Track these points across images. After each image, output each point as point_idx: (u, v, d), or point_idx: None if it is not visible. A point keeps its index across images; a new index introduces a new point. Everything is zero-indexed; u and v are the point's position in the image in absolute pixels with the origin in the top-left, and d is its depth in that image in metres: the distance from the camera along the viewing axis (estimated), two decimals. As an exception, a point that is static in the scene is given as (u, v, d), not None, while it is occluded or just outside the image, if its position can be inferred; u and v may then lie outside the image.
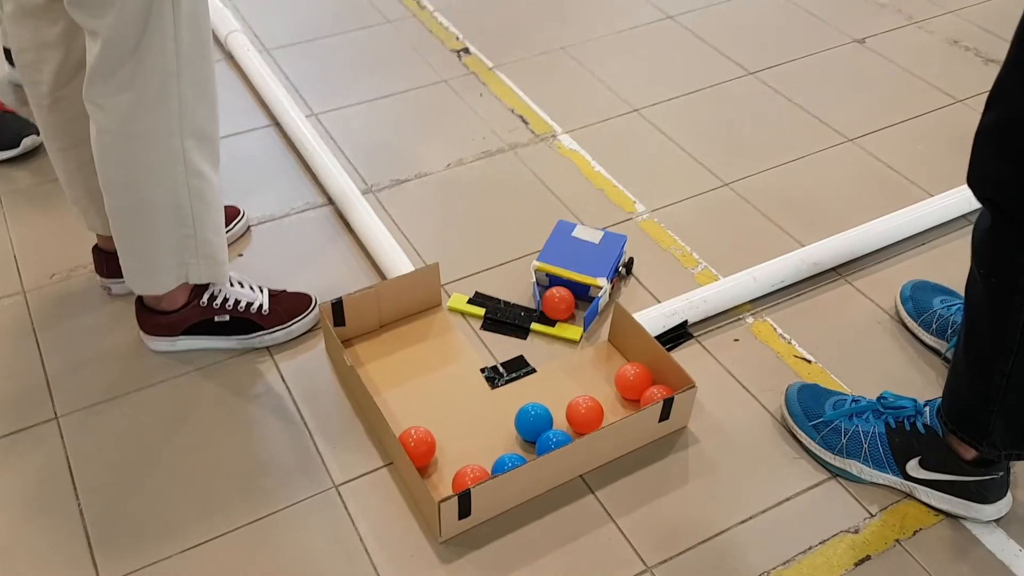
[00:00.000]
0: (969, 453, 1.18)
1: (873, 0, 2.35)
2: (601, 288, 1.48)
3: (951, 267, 1.58)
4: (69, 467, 1.30)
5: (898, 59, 2.13)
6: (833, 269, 1.60)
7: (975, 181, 1.03)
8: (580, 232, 1.57)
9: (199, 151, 1.25)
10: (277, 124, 1.93)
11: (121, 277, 1.47)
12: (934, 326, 1.43)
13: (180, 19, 1.14)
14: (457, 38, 2.21)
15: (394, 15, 2.29)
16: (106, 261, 1.49)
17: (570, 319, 1.51)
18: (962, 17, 2.28)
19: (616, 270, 1.53)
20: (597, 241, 1.55)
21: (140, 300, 1.42)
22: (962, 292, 1.42)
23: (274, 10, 2.31)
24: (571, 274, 1.51)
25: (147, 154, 1.21)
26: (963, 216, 1.70)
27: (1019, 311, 1.03)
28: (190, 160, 1.24)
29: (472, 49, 2.17)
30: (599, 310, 1.50)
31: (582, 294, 1.52)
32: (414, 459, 1.24)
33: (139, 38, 1.13)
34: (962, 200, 1.68)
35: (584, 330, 1.47)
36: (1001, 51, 2.16)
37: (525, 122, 1.95)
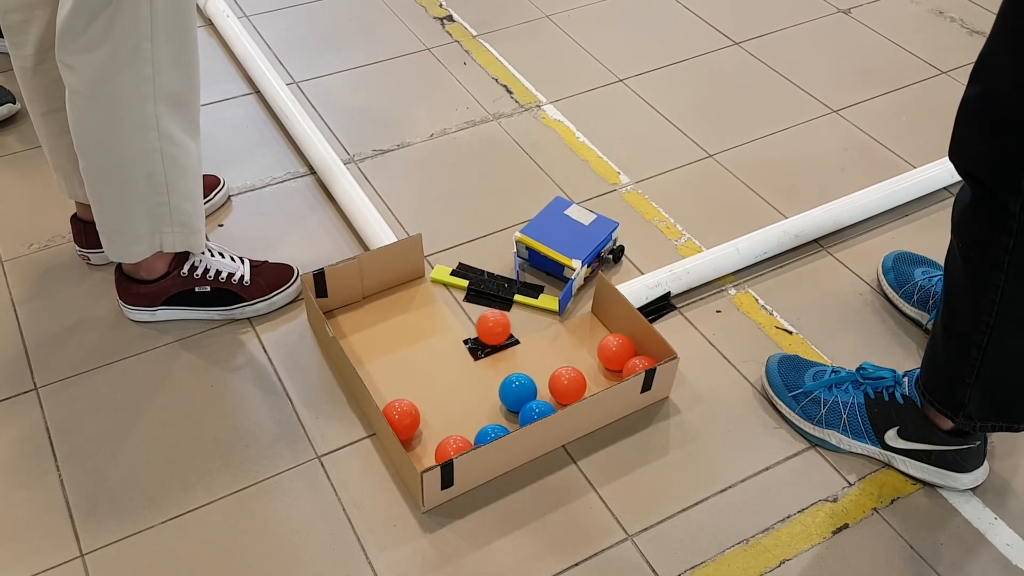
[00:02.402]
0: (946, 423, 1.19)
1: (860, -30, 2.34)
2: (575, 271, 1.47)
3: (933, 239, 1.59)
4: (49, 437, 1.29)
5: (883, 30, 2.13)
6: (815, 241, 1.61)
7: (957, 155, 1.03)
8: (573, 212, 1.56)
9: (172, 117, 1.23)
10: (257, 92, 1.91)
11: (100, 247, 1.46)
12: (915, 297, 1.44)
13: None
14: (440, 5, 2.18)
15: (376, -19, 2.26)
16: (85, 231, 1.47)
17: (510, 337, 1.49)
18: (948, -12, 2.27)
19: (598, 255, 1.52)
20: (587, 223, 1.54)
21: (120, 269, 1.41)
22: (943, 264, 1.43)
23: (254, -25, 2.27)
24: (548, 251, 1.50)
25: (118, 117, 1.19)
26: (945, 188, 1.70)
27: (996, 286, 1.03)
28: (163, 126, 1.22)
29: (456, 16, 2.15)
30: (572, 293, 1.49)
31: (557, 273, 1.52)
32: (399, 432, 1.24)
33: None
34: (944, 172, 1.69)
35: (560, 312, 1.47)
36: (986, 22, 2.16)
37: (509, 92, 1.94)
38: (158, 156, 1.24)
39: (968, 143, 1.01)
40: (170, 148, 1.24)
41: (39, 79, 1.29)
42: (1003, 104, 0.95)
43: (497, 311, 1.46)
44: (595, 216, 1.57)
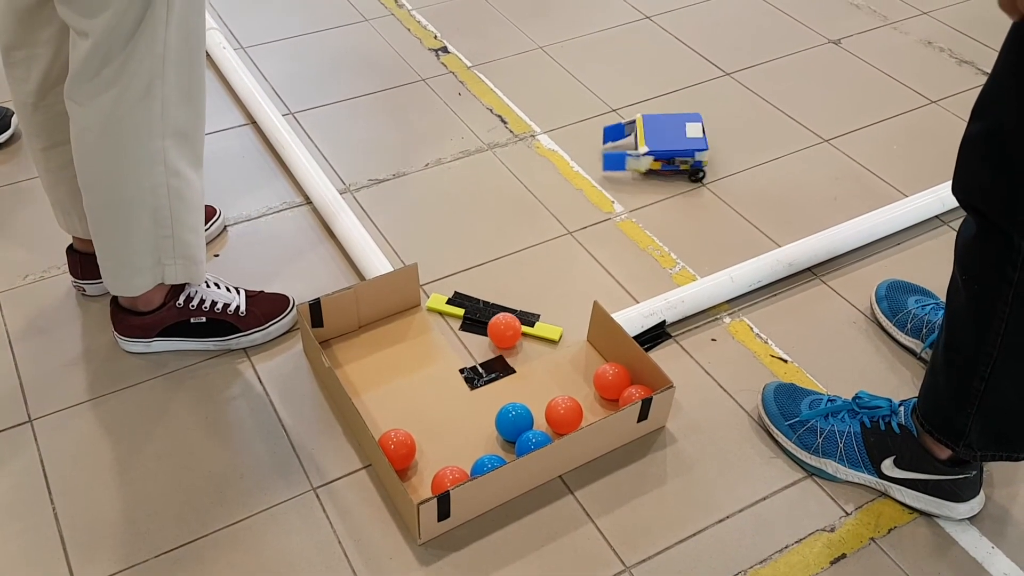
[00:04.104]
0: (943, 452, 1.19)
1: (848, 1, 2.37)
2: (638, 153, 1.71)
3: (926, 267, 1.60)
4: (44, 471, 1.28)
5: (873, 60, 2.15)
6: (809, 269, 1.62)
7: (960, 190, 1.04)
8: (690, 127, 1.78)
9: (179, 151, 1.24)
10: (254, 123, 1.92)
11: (96, 278, 1.46)
12: (909, 326, 1.45)
13: (171, 22, 1.13)
14: (435, 37, 2.21)
15: (372, 13, 2.28)
16: (81, 262, 1.47)
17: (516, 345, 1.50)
18: (936, 18, 2.30)
19: (672, 158, 1.72)
20: (688, 135, 1.75)
21: (115, 301, 1.40)
22: (937, 292, 1.44)
23: (250, 8, 2.29)
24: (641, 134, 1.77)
25: (127, 154, 1.20)
26: (937, 217, 1.72)
27: (1001, 318, 1.04)
28: (170, 160, 1.23)
29: (450, 48, 2.17)
30: (623, 165, 1.76)
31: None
32: (394, 463, 1.24)
33: (129, 39, 1.12)
34: (936, 201, 1.70)
35: (603, 168, 1.69)
36: (974, 52, 2.20)
37: (504, 122, 1.95)
38: (164, 191, 1.24)
39: (972, 178, 1.02)
40: (175, 182, 1.25)
41: (40, 115, 1.30)
42: (1007, 140, 0.96)
43: (508, 315, 1.46)
44: (701, 136, 1.77)
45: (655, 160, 1.70)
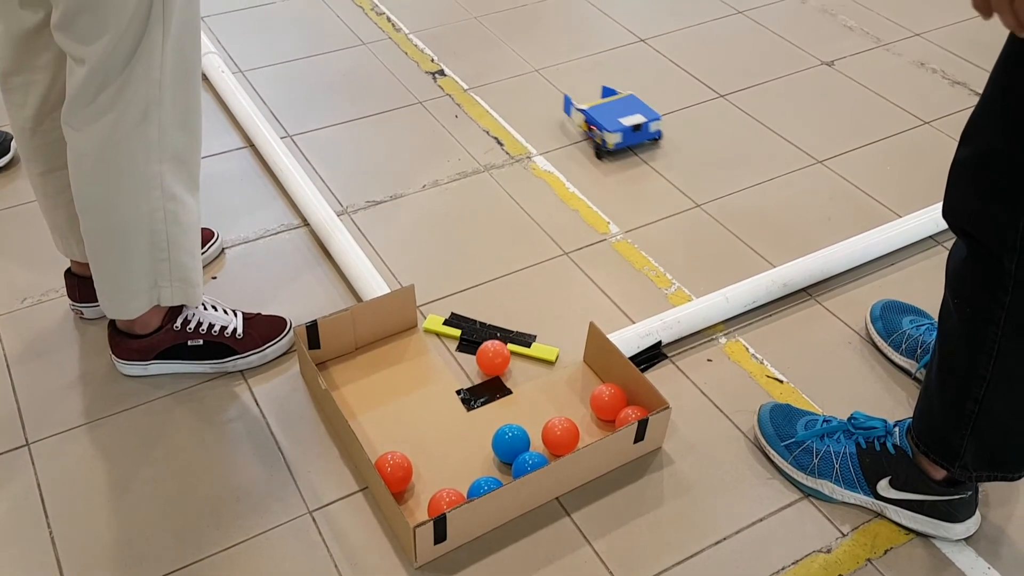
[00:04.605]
0: (938, 473, 1.20)
1: (841, 23, 2.40)
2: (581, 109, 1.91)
3: (920, 287, 1.61)
4: (40, 494, 1.28)
5: (866, 81, 2.17)
6: (804, 290, 1.63)
7: (951, 213, 1.05)
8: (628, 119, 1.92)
9: (175, 175, 1.25)
10: (252, 146, 1.93)
11: (93, 301, 1.46)
12: (904, 346, 1.46)
13: (167, 48, 1.15)
14: (432, 60, 2.23)
15: (369, 37, 2.30)
16: (79, 285, 1.47)
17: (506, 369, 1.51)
18: (929, 40, 2.33)
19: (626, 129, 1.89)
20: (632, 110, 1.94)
21: (113, 324, 1.41)
22: (931, 312, 1.45)
23: (249, 32, 2.31)
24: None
25: (124, 179, 1.21)
26: (931, 237, 1.73)
27: (993, 341, 1.05)
28: (166, 184, 1.24)
29: (447, 71, 2.19)
30: (571, 104, 1.97)
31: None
32: (391, 486, 1.24)
33: (125, 65, 1.13)
34: (930, 221, 1.71)
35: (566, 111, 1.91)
36: (967, 74, 2.22)
37: (500, 144, 1.97)
38: (161, 215, 1.25)
39: (961, 202, 1.03)
40: (172, 206, 1.26)
41: (38, 140, 1.31)
42: (995, 164, 0.97)
43: (497, 342, 1.47)
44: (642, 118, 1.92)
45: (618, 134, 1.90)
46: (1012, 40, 0.93)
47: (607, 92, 2.01)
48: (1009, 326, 1.03)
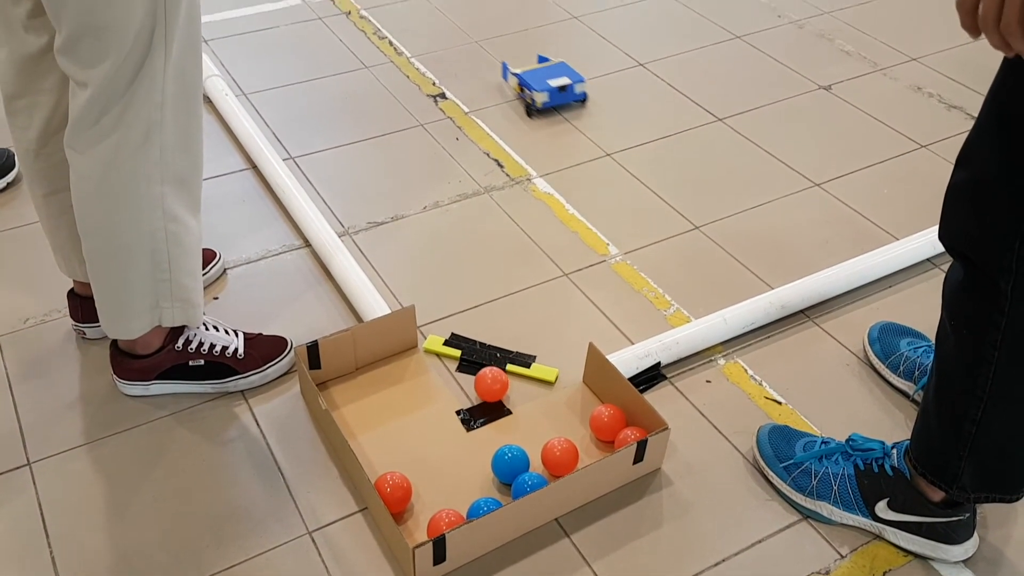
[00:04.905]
0: (936, 495, 1.20)
1: (838, 48, 2.42)
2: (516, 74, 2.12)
3: (917, 309, 1.62)
4: (41, 514, 1.28)
5: (863, 105, 2.20)
6: (802, 311, 1.64)
7: (947, 236, 1.06)
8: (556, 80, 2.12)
9: (177, 196, 1.26)
10: (255, 167, 1.95)
11: (95, 322, 1.47)
12: (901, 368, 1.46)
13: (168, 71, 1.16)
14: (434, 83, 2.25)
15: (371, 61, 2.33)
16: (81, 306, 1.48)
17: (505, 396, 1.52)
18: (925, 64, 2.35)
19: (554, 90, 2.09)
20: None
21: (115, 344, 1.42)
22: (928, 334, 1.46)
23: (252, 56, 2.34)
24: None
25: (126, 201, 1.22)
26: (928, 260, 1.74)
27: (990, 363, 1.05)
28: (168, 206, 1.25)
29: (448, 94, 2.21)
30: (508, 70, 2.17)
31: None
32: (390, 506, 1.24)
33: (127, 89, 1.15)
34: (927, 244, 1.72)
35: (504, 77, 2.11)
36: (963, 98, 2.24)
37: (500, 166, 1.98)
38: (162, 235, 1.26)
39: (957, 225, 1.04)
40: (174, 227, 1.27)
41: (42, 162, 1.32)
42: (989, 188, 0.98)
43: (496, 368, 1.48)
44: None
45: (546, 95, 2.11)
46: (1005, 66, 0.95)
47: (542, 60, 2.22)
48: (1005, 347, 1.03)
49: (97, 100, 1.15)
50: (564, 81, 2.10)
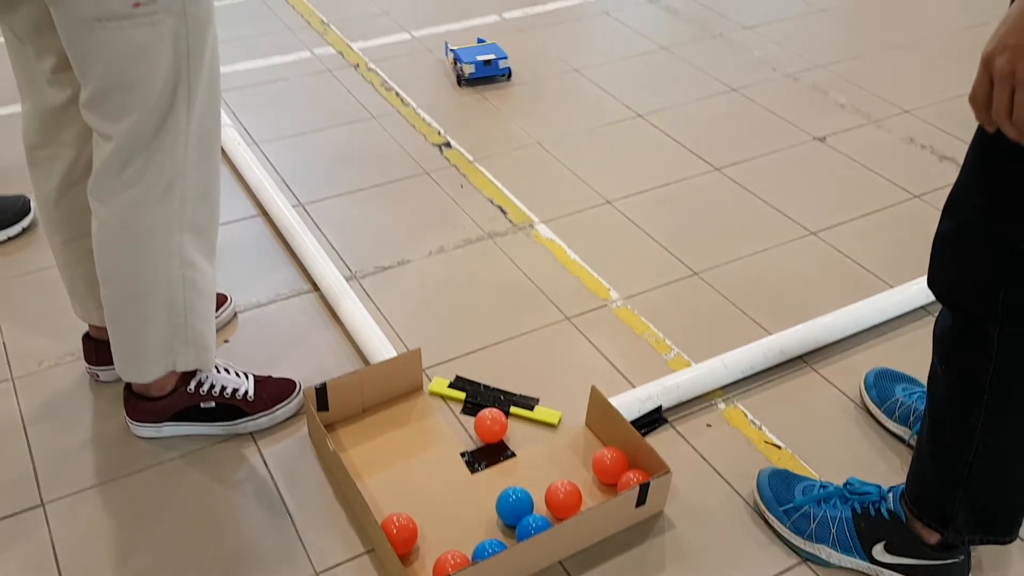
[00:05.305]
0: (932, 537, 1.22)
1: (832, 100, 2.50)
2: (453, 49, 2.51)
3: (912, 356, 1.65)
4: (55, 554, 1.30)
5: (857, 156, 2.26)
6: (800, 357, 1.67)
7: (935, 283, 1.10)
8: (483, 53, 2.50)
9: (194, 244, 1.30)
10: (265, 214, 2.00)
11: (109, 365, 1.50)
12: (897, 413, 1.50)
13: (191, 126, 1.21)
14: (439, 133, 2.31)
15: (378, 111, 2.39)
16: (95, 349, 1.52)
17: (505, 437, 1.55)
18: (917, 116, 2.42)
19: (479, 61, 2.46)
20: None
21: (128, 387, 1.45)
22: (923, 380, 1.49)
23: (264, 106, 2.41)
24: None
25: (146, 248, 1.26)
26: (922, 307, 1.78)
27: (980, 406, 1.09)
28: (186, 253, 1.29)
29: (453, 143, 2.27)
30: (448, 48, 2.55)
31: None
32: (397, 547, 1.26)
33: (150, 142, 1.19)
34: (920, 291, 1.77)
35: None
36: (954, 149, 2.30)
37: (504, 212, 2.03)
38: (179, 282, 1.30)
39: (944, 272, 1.08)
40: (191, 273, 1.31)
41: (61, 210, 1.36)
42: (973, 236, 1.03)
43: (495, 409, 1.50)
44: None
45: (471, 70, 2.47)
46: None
47: (480, 41, 2.59)
48: (994, 391, 1.07)
49: (121, 152, 1.19)
50: (489, 56, 2.46)
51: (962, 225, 1.04)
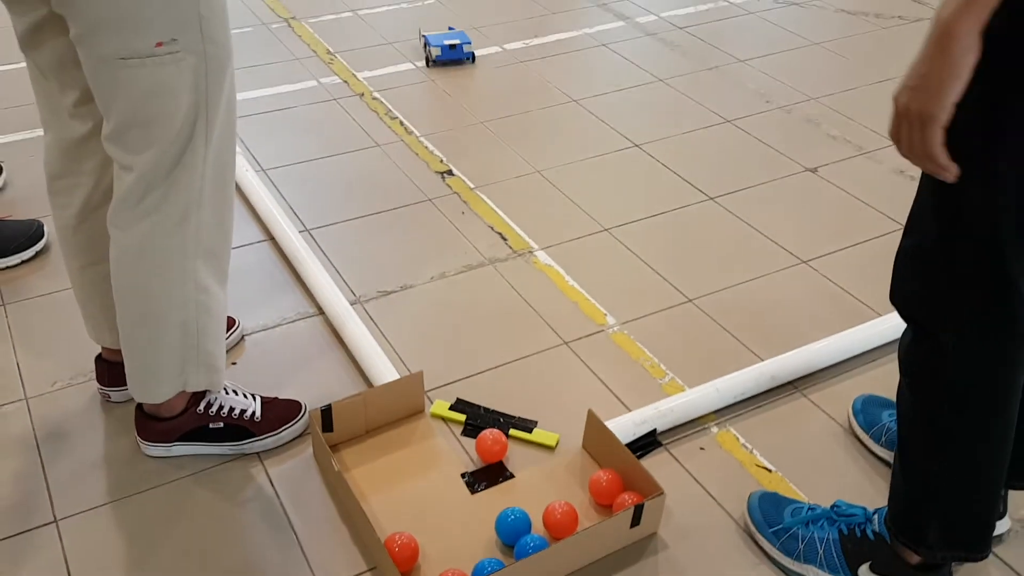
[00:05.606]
0: (913, 558, 1.26)
1: (825, 132, 2.56)
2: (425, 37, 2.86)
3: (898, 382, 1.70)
4: (67, 570, 1.34)
5: (848, 187, 2.32)
6: (790, 383, 1.72)
7: (895, 297, 1.17)
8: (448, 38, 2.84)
9: (208, 269, 1.35)
10: (272, 239, 2.05)
11: (120, 386, 1.55)
12: (883, 438, 1.54)
13: (208, 157, 1.27)
14: (441, 161, 2.37)
15: (383, 139, 2.46)
16: (108, 370, 1.56)
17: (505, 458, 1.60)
18: (905, 148, 2.48)
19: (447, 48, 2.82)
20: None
21: (140, 407, 1.49)
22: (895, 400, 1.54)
23: (272, 134, 2.47)
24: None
25: (162, 273, 1.31)
26: (909, 333, 1.83)
27: (941, 416, 1.15)
28: (200, 278, 1.34)
29: (455, 171, 2.33)
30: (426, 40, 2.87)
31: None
32: (399, 565, 1.31)
33: (169, 173, 1.25)
34: (907, 319, 1.82)
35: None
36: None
37: (504, 239, 2.09)
38: (193, 306, 1.35)
39: (903, 287, 1.16)
40: (204, 297, 1.36)
41: (80, 237, 1.42)
42: (928, 253, 1.10)
43: (496, 430, 1.55)
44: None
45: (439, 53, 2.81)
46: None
47: (451, 29, 2.92)
48: (953, 401, 1.13)
49: (141, 183, 1.25)
50: (455, 41, 2.78)
51: (919, 243, 1.11)
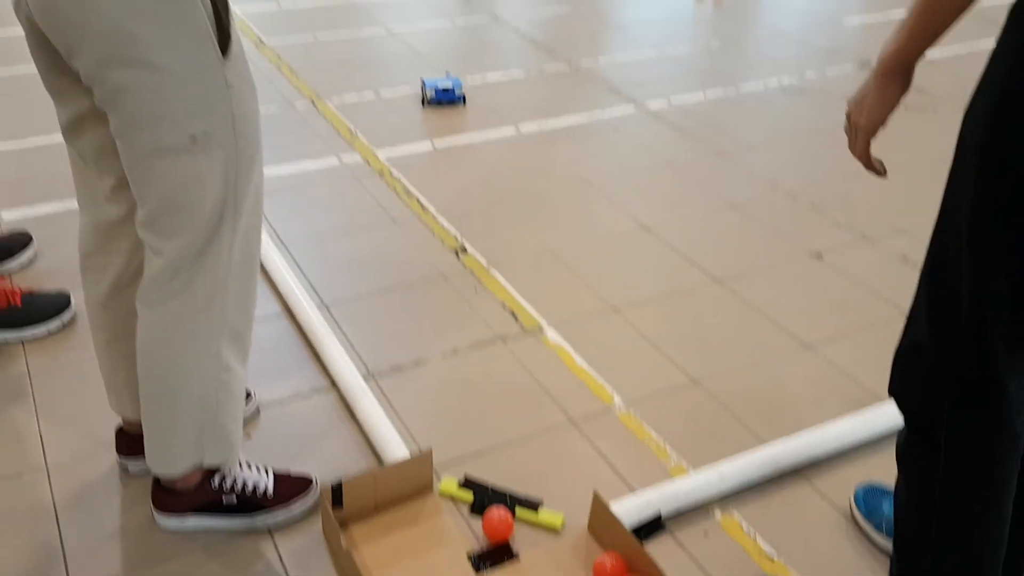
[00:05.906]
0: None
1: (829, 217, 2.62)
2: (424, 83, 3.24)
3: (901, 470, 1.72)
4: (76, 641, 1.37)
5: (852, 273, 2.37)
6: (794, 469, 1.74)
7: (893, 392, 1.22)
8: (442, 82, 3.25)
9: (232, 348, 1.41)
10: (289, 313, 2.11)
11: (139, 456, 1.59)
12: (884, 528, 1.56)
13: (235, 244, 1.34)
14: (456, 238, 2.45)
15: (400, 216, 2.54)
16: (128, 441, 1.61)
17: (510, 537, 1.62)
18: (911, 236, 2.53)
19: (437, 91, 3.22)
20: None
21: (156, 480, 1.53)
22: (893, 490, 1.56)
23: (292, 209, 2.56)
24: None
25: (186, 352, 1.37)
26: (912, 421, 1.86)
27: (935, 506, 1.18)
28: (223, 357, 1.39)
29: (469, 248, 2.40)
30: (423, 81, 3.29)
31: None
32: (403, 643, 1.32)
33: (198, 258, 1.31)
34: (910, 406, 1.85)
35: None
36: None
37: (515, 317, 2.14)
38: (214, 384, 1.40)
39: (900, 383, 1.20)
40: (225, 376, 1.41)
41: (109, 313, 1.48)
42: (922, 351, 1.15)
43: (503, 510, 1.57)
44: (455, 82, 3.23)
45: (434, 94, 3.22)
46: (932, 247, 1.12)
47: (448, 75, 3.34)
48: (945, 494, 1.16)
49: (170, 266, 1.31)
50: (448, 84, 3.18)
51: (914, 341, 1.16)
